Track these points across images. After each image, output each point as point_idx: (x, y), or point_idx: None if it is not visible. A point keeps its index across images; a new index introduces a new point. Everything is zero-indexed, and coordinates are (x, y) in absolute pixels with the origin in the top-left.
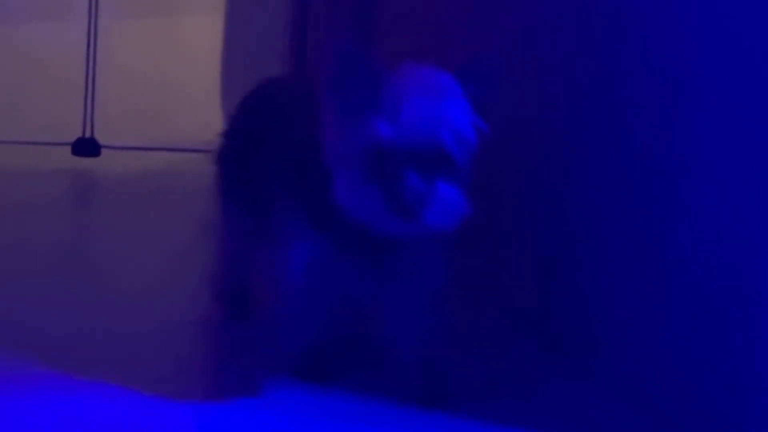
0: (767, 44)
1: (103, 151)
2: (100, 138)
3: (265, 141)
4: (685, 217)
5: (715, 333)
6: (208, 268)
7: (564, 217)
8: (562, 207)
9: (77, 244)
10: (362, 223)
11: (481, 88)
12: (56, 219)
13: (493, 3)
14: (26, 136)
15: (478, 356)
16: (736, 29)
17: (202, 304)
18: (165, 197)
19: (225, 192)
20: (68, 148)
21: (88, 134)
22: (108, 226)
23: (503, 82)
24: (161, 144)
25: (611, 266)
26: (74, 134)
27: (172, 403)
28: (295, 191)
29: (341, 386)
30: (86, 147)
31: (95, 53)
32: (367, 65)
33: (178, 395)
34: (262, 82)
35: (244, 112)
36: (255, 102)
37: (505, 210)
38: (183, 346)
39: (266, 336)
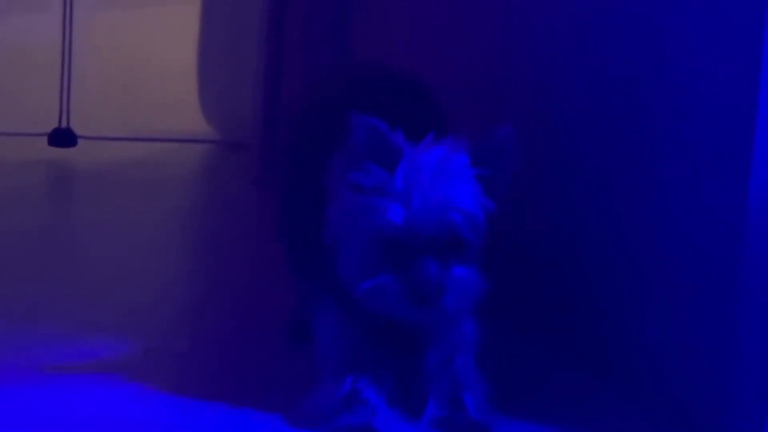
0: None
1: (80, 141)
2: (77, 128)
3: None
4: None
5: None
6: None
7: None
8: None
9: (54, 235)
10: (376, 309)
11: (492, 170)
12: (33, 210)
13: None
14: (2, 126)
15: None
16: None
17: (179, 292)
18: (142, 188)
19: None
20: (44, 139)
21: (64, 125)
22: (85, 217)
23: (513, 162)
24: (138, 134)
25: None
26: (50, 125)
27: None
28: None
29: None
30: (63, 137)
31: (71, 43)
32: (384, 136)
33: (161, 383)
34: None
35: None
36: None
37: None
38: (160, 335)
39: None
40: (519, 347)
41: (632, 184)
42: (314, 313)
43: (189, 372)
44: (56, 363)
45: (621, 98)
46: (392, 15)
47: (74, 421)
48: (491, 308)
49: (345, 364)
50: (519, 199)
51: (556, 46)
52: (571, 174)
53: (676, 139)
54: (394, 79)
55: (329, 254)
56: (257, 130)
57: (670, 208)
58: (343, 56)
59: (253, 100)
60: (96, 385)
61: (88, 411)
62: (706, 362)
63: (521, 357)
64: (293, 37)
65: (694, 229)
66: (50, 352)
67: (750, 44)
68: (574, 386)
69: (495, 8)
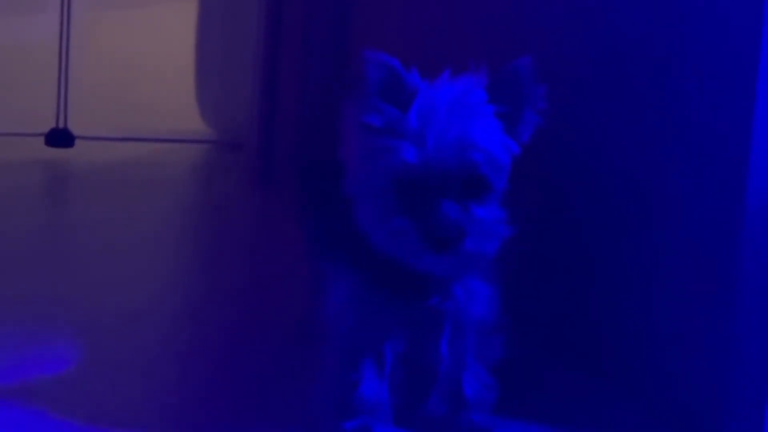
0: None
1: (77, 141)
2: (74, 129)
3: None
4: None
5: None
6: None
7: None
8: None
9: (51, 235)
10: (395, 258)
11: (513, 106)
12: (30, 210)
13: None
14: None
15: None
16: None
17: (176, 292)
18: (139, 188)
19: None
20: (41, 139)
21: (61, 125)
22: (82, 218)
23: (535, 99)
24: (135, 134)
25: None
26: (48, 125)
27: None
28: (327, 221)
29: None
30: (60, 138)
31: (68, 44)
32: (398, 75)
33: (159, 383)
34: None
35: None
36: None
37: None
38: (158, 334)
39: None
40: (516, 346)
41: (629, 185)
42: (326, 292)
43: (187, 372)
44: (53, 363)
45: (619, 98)
46: (390, 16)
47: (68, 422)
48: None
49: (352, 349)
50: (512, 196)
51: (554, 47)
52: (568, 175)
53: (673, 141)
54: None
55: (345, 213)
56: (254, 131)
57: (667, 208)
58: (341, 57)
59: (250, 100)
60: (93, 386)
61: (85, 412)
62: (704, 362)
63: (518, 356)
64: (290, 37)
65: (692, 228)
66: (48, 351)
67: (748, 45)
68: (572, 385)
69: (496, 12)
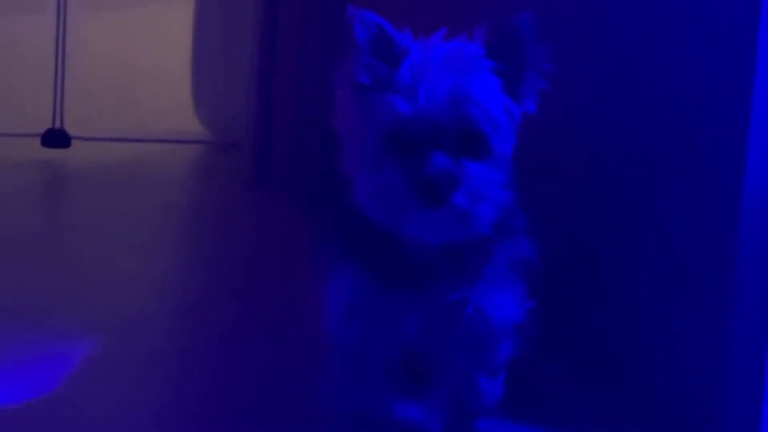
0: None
1: (73, 142)
2: (70, 129)
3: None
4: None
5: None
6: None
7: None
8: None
9: (47, 236)
10: (387, 223)
11: (515, 65)
12: (26, 211)
13: None
14: None
15: None
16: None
17: (172, 293)
18: (135, 188)
19: None
20: (38, 140)
21: (57, 125)
22: (78, 218)
23: (539, 61)
24: (131, 135)
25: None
26: (44, 125)
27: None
28: (330, 213)
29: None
30: (56, 138)
31: (65, 44)
32: (388, 35)
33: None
34: None
35: None
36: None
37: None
38: (153, 335)
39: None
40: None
41: (626, 190)
42: (327, 281)
43: (182, 373)
44: (49, 363)
45: (614, 98)
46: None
47: (62, 423)
48: None
49: (357, 351)
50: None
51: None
52: (564, 177)
53: (669, 143)
54: None
55: (347, 203)
56: (250, 131)
57: (662, 213)
58: (336, 58)
59: (247, 100)
60: (90, 387)
61: (82, 413)
62: (699, 364)
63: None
64: (286, 37)
65: (687, 232)
66: (44, 352)
67: (745, 45)
68: (568, 387)
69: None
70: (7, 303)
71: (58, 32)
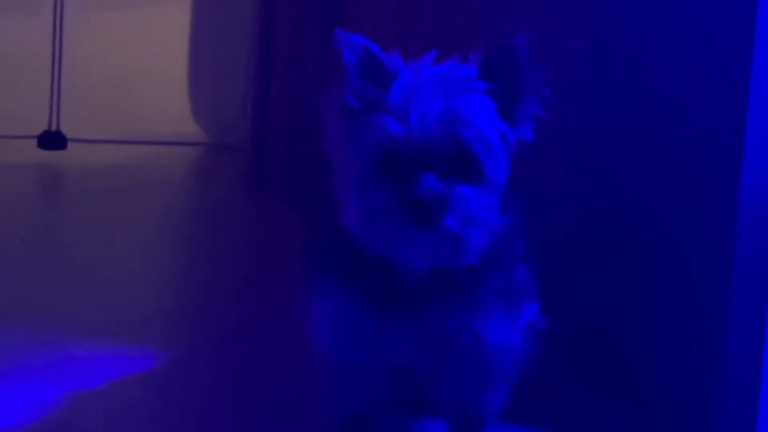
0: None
1: (70, 144)
2: (67, 131)
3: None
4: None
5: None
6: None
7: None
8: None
9: (44, 237)
10: (377, 246)
11: (510, 89)
12: (22, 212)
13: None
14: None
15: None
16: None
17: (169, 295)
18: (132, 190)
19: None
20: (34, 141)
21: (54, 127)
22: (75, 220)
23: (535, 85)
24: (128, 137)
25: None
26: (40, 127)
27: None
28: (320, 231)
29: None
30: (52, 140)
31: (61, 46)
32: (377, 58)
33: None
34: None
35: None
36: None
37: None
38: (150, 337)
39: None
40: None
41: (623, 192)
42: (312, 300)
43: (177, 375)
44: (44, 366)
45: (611, 99)
46: (383, 19)
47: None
48: None
49: (342, 357)
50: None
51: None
52: (561, 179)
53: (665, 145)
54: None
55: (332, 214)
56: (247, 133)
57: (659, 213)
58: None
59: (243, 102)
60: (80, 389)
61: (78, 416)
62: (695, 364)
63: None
64: (283, 40)
65: (684, 232)
66: (38, 354)
67: (741, 47)
68: (563, 387)
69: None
70: (3, 305)
71: (54, 34)
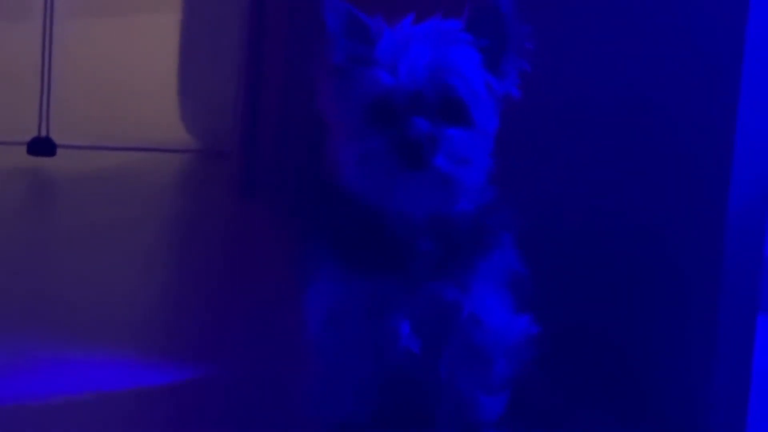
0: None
1: (59, 150)
2: (56, 137)
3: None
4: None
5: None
6: None
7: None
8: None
9: (33, 244)
10: (371, 194)
11: (495, 42)
12: (11, 219)
13: None
14: None
15: None
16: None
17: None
18: (121, 197)
19: None
20: (23, 148)
21: (43, 133)
22: (64, 227)
23: (520, 40)
24: (118, 143)
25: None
26: (30, 133)
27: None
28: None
29: None
30: (42, 146)
31: (51, 52)
32: (360, 20)
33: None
34: None
35: None
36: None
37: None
38: (139, 343)
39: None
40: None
41: (613, 196)
42: (310, 287)
43: (167, 381)
44: (35, 371)
45: (600, 102)
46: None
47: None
48: None
49: (337, 347)
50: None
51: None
52: (549, 184)
53: (655, 148)
54: None
55: (329, 189)
56: (237, 140)
57: (648, 218)
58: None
59: (233, 109)
60: (74, 393)
61: (74, 420)
62: (685, 368)
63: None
64: (273, 46)
65: (673, 236)
66: (29, 360)
67: (731, 49)
68: (552, 391)
69: None
70: None
71: (44, 40)
